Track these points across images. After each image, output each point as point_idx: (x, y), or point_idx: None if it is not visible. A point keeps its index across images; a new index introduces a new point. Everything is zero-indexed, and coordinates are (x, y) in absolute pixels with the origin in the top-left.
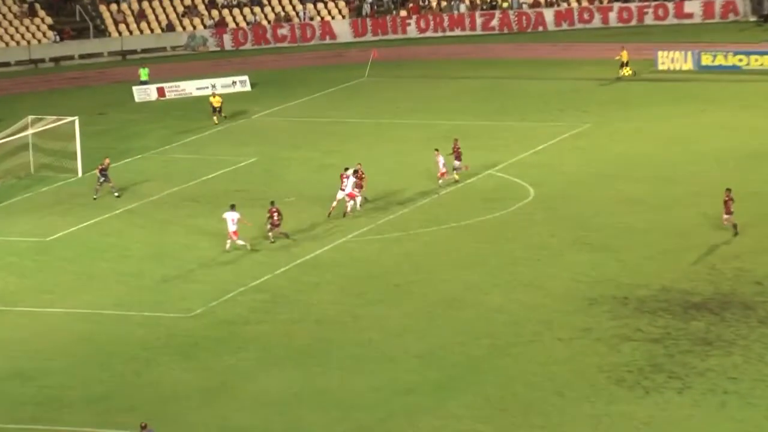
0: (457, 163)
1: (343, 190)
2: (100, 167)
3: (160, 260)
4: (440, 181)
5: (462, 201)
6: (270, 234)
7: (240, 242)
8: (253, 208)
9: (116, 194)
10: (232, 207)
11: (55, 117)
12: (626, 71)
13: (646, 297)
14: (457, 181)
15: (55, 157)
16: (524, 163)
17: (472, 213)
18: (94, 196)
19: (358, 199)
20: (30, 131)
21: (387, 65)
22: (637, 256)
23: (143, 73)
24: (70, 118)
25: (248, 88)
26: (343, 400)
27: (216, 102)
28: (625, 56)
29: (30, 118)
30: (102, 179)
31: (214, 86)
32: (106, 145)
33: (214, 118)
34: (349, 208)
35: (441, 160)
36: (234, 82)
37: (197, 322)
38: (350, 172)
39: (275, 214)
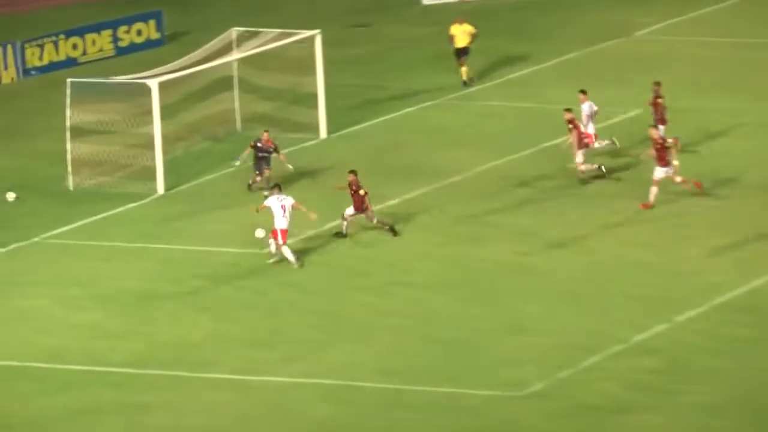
0: None
1: None
2: (255, 142)
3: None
4: None
5: None
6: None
7: (289, 254)
8: None
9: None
10: (277, 187)
11: (277, 30)
12: None
13: None
14: None
15: (281, 103)
16: None
17: None
18: (251, 183)
19: None
20: (235, 55)
21: None
22: None
23: None
24: (306, 33)
25: None
26: None
27: None
28: None
29: (234, 31)
30: (262, 164)
31: None
32: (369, 80)
33: None
34: None
35: None
36: None
37: (533, 406)
38: None
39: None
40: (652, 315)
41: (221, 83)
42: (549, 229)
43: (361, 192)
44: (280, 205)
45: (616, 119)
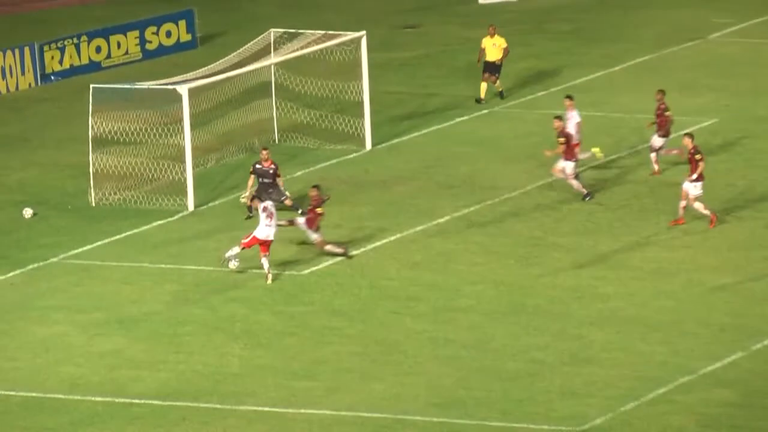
0: None
1: None
2: (254, 165)
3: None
4: None
5: None
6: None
7: (265, 266)
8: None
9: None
10: (257, 199)
11: (319, 32)
12: None
13: None
14: None
15: (323, 111)
16: None
17: None
18: (249, 215)
19: None
20: (273, 58)
21: None
22: None
23: None
24: (350, 34)
25: None
26: None
27: None
28: None
29: (272, 33)
30: (266, 192)
31: None
32: (418, 86)
33: None
34: None
35: None
36: None
37: None
38: None
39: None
40: (726, 343)
41: (258, 89)
42: (613, 250)
43: (319, 210)
44: (266, 214)
45: (690, 129)
